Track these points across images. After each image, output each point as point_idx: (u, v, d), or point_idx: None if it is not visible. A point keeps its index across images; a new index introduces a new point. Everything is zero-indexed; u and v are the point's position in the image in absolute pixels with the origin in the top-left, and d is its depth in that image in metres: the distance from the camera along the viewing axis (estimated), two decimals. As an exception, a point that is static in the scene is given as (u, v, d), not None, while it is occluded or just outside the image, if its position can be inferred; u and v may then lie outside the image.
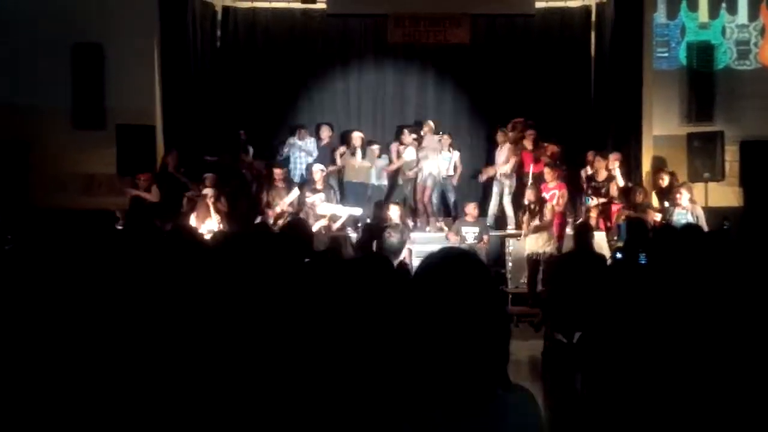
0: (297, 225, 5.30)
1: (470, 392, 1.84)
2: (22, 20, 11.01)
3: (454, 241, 10.51)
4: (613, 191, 10.77)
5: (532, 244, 9.89)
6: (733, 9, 11.69)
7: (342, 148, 12.01)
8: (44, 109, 10.92)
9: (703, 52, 11.66)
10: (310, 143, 12.09)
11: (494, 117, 12.71)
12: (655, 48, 11.75)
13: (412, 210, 11.83)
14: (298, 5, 12.84)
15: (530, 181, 10.87)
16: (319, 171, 10.99)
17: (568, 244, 9.56)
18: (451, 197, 12.19)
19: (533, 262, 9.83)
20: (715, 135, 11.15)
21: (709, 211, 10.28)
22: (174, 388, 2.68)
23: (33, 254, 4.22)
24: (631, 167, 11.73)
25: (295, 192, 10.82)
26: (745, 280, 4.10)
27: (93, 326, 2.96)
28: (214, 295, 3.16)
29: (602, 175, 10.92)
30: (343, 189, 11.89)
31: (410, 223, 10.93)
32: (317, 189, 10.79)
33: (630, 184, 10.92)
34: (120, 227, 9.78)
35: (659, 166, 11.37)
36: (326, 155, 12.07)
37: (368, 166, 11.91)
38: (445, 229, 11.25)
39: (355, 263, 3.86)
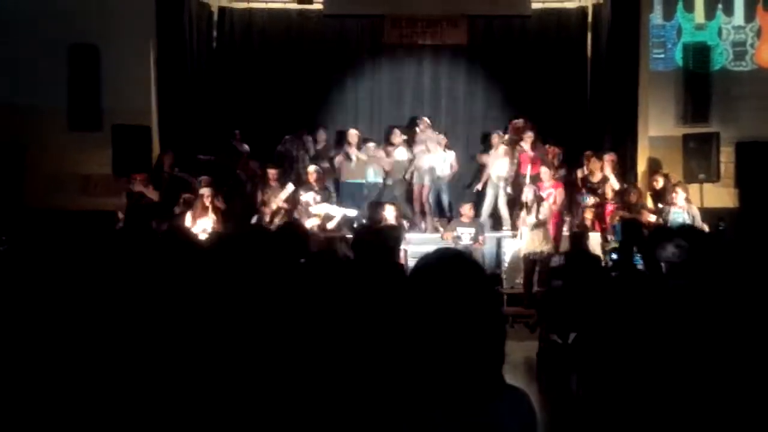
0: (292, 226, 5.29)
1: (466, 393, 1.84)
2: (19, 21, 10.98)
3: (449, 242, 10.51)
4: (608, 192, 10.78)
5: (529, 243, 9.90)
6: (729, 10, 11.70)
7: (339, 158, 11.95)
8: (40, 110, 10.90)
9: (700, 53, 11.68)
10: (308, 143, 12.07)
11: (491, 118, 12.73)
12: (651, 49, 11.77)
13: (406, 210, 11.81)
14: (295, 6, 12.85)
15: (528, 181, 10.87)
16: (314, 171, 10.98)
17: (565, 245, 9.59)
18: (446, 198, 12.18)
19: (530, 262, 9.84)
20: (710, 136, 11.16)
21: (704, 212, 10.30)
22: (169, 388, 2.67)
23: (28, 255, 4.21)
24: (627, 168, 11.76)
25: (290, 187, 10.80)
26: (740, 281, 4.10)
27: (88, 327, 2.95)
28: (210, 296, 3.16)
29: (597, 176, 10.94)
30: (340, 190, 11.87)
31: (405, 224, 10.91)
32: (312, 188, 10.78)
33: (625, 185, 10.94)
34: (120, 226, 9.79)
35: (654, 167, 11.39)
36: (322, 157, 12.04)
37: (365, 160, 11.85)
38: (441, 229, 11.24)
39: (351, 264, 3.86)
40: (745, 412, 3.33)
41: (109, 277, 3.41)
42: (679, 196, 10.02)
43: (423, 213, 11.92)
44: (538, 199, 10.06)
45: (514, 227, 11.23)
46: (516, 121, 12.12)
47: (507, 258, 10.62)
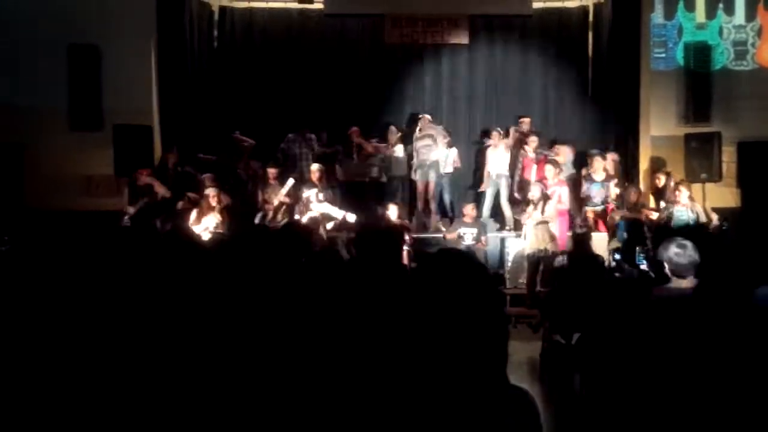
0: (294, 225, 5.29)
1: (469, 394, 1.83)
2: (19, 21, 10.99)
3: (451, 242, 10.51)
4: (611, 193, 10.77)
5: (533, 242, 9.89)
6: (730, 9, 11.69)
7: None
8: (41, 110, 10.89)
9: (701, 53, 11.67)
10: (312, 141, 12.04)
11: (492, 117, 12.72)
12: (652, 48, 11.76)
13: (410, 209, 11.79)
14: (295, 5, 12.85)
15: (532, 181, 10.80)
16: (317, 170, 10.96)
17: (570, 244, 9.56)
18: (447, 197, 12.16)
19: (533, 261, 9.82)
20: (712, 135, 11.15)
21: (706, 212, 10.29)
22: (173, 389, 2.67)
23: (29, 256, 4.20)
24: (629, 167, 11.76)
25: (290, 182, 10.79)
26: (743, 280, 4.09)
27: (90, 328, 2.94)
28: (212, 295, 3.15)
29: (601, 176, 10.92)
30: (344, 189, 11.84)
31: (407, 223, 10.89)
32: (315, 186, 10.75)
33: (626, 184, 10.93)
34: (125, 223, 9.76)
35: (656, 166, 11.38)
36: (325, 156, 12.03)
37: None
38: (443, 229, 11.23)
39: (354, 264, 3.85)
40: (748, 413, 3.33)
41: (111, 278, 3.41)
42: (682, 194, 10.01)
43: (427, 211, 11.84)
44: (545, 197, 10.06)
45: (516, 227, 11.23)
46: (523, 119, 12.07)
47: (510, 258, 10.60)
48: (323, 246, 8.50)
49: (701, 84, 11.64)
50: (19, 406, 2.66)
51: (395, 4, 12.84)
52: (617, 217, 10.36)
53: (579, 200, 10.96)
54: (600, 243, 9.58)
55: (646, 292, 4.22)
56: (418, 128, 11.91)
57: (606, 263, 7.87)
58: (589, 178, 10.93)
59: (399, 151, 12.00)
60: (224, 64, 12.93)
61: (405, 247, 9.09)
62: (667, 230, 7.18)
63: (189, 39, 12.13)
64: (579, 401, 5.60)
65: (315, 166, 11.02)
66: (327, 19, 12.95)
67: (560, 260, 7.76)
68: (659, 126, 11.71)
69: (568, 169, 11.34)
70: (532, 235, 10.01)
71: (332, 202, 10.80)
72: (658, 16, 11.79)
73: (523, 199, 10.85)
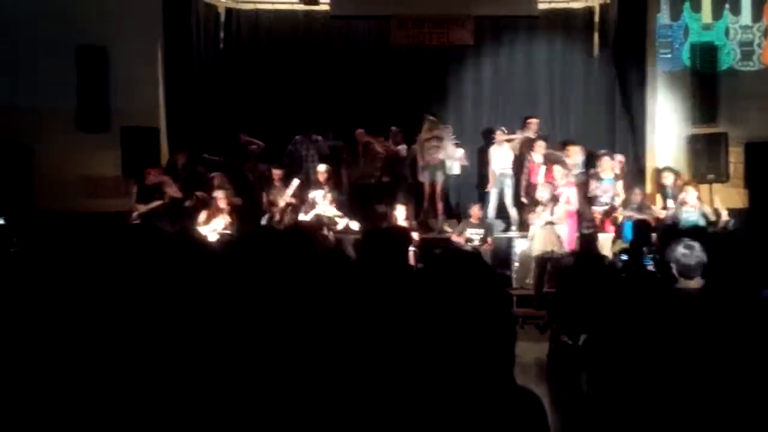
0: (301, 226, 5.30)
1: (476, 395, 1.83)
2: (27, 22, 11.01)
3: (458, 243, 10.50)
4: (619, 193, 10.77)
5: (541, 243, 9.88)
6: (736, 10, 11.65)
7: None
8: (48, 112, 10.92)
9: (707, 53, 11.64)
10: (319, 143, 12.04)
11: (497, 118, 12.71)
12: (658, 49, 11.73)
13: (415, 210, 11.77)
14: (302, 7, 12.85)
15: (538, 184, 10.77)
16: (325, 171, 10.96)
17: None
18: (454, 198, 12.15)
19: (542, 263, 9.80)
20: (719, 136, 11.14)
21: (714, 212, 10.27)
22: (179, 390, 2.68)
23: (38, 257, 4.22)
24: (635, 168, 11.74)
25: (295, 182, 10.80)
26: (751, 280, 4.09)
27: (99, 329, 2.95)
28: (218, 297, 3.16)
29: (608, 175, 10.91)
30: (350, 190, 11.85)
31: (414, 224, 10.88)
32: (322, 187, 10.75)
33: (630, 185, 10.91)
34: (136, 220, 9.77)
35: (663, 167, 11.35)
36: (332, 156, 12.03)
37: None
38: (449, 230, 11.22)
39: (360, 265, 3.86)
40: (755, 413, 3.32)
41: (118, 279, 3.42)
42: (690, 194, 10.01)
43: (434, 212, 11.82)
44: (554, 199, 10.05)
45: (522, 227, 11.22)
46: (531, 120, 12.03)
47: (517, 258, 10.58)
48: (330, 247, 8.51)
49: (707, 84, 11.61)
50: (28, 407, 2.67)
51: (401, 6, 12.83)
52: (620, 217, 10.35)
53: (587, 201, 10.95)
54: (606, 243, 9.57)
55: (653, 293, 4.22)
56: (424, 129, 11.87)
57: (610, 263, 7.85)
58: (597, 177, 10.92)
59: (402, 151, 12.00)
60: (230, 65, 12.95)
61: (411, 248, 9.10)
62: (674, 231, 7.16)
63: (195, 41, 12.16)
64: (586, 402, 5.60)
65: (322, 167, 11.02)
66: (333, 20, 12.95)
67: (567, 261, 7.76)
68: (665, 127, 11.69)
69: (578, 169, 11.30)
70: (539, 237, 10.00)
71: (339, 205, 10.81)
72: (664, 17, 11.76)
73: (530, 203, 10.83)
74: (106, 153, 10.92)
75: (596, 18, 12.92)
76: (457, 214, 11.93)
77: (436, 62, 13.04)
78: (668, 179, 10.80)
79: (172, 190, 10.18)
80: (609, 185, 10.79)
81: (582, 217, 10.75)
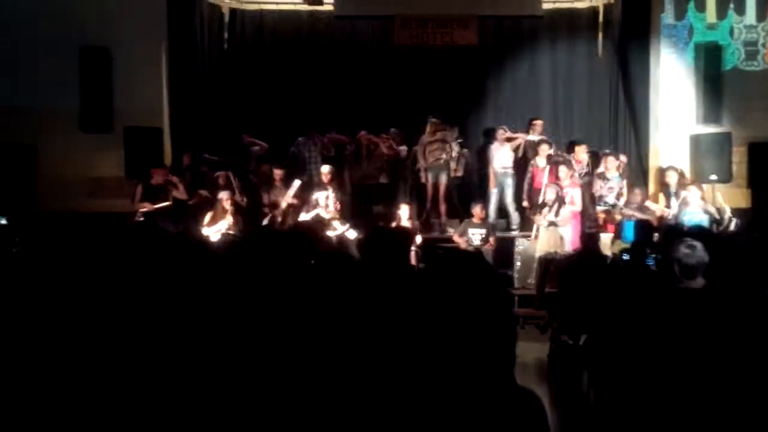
0: (303, 227, 5.30)
1: (477, 394, 1.84)
2: (31, 23, 11.04)
3: (460, 243, 10.49)
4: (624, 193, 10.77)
5: (544, 244, 9.87)
6: (741, 9, 11.64)
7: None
8: (51, 112, 10.95)
9: (711, 53, 11.63)
10: (323, 143, 12.02)
11: (501, 118, 12.70)
12: (662, 49, 11.72)
13: (418, 211, 11.75)
14: (305, 7, 12.86)
15: (545, 180, 10.73)
16: (329, 172, 10.94)
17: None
18: (457, 198, 12.13)
19: (544, 263, 9.79)
20: (723, 136, 11.12)
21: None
22: (180, 390, 2.68)
23: (40, 257, 4.23)
24: (638, 168, 11.72)
25: (296, 183, 10.78)
26: (753, 281, 4.08)
27: (100, 329, 2.96)
28: (221, 297, 3.16)
29: (613, 174, 10.89)
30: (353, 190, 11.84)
31: (417, 224, 10.87)
32: (326, 188, 10.73)
33: (631, 185, 10.89)
34: (139, 217, 9.77)
35: (666, 166, 11.34)
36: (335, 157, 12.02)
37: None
38: (451, 230, 11.21)
39: (362, 265, 3.86)
40: (756, 413, 3.32)
41: (120, 279, 3.43)
42: (693, 194, 9.99)
43: (436, 212, 11.80)
44: (560, 200, 10.04)
45: (522, 227, 11.21)
46: (535, 122, 12.00)
47: (520, 257, 10.56)
48: (333, 247, 8.51)
49: (712, 84, 11.59)
50: (31, 405, 2.68)
51: (405, 6, 12.83)
52: (618, 217, 10.34)
53: (592, 201, 10.95)
54: (606, 243, 9.57)
55: (655, 293, 4.21)
56: (427, 131, 11.84)
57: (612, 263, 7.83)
58: (603, 178, 10.90)
59: (402, 152, 11.99)
60: (234, 66, 12.96)
61: (413, 248, 9.10)
62: (676, 231, 7.15)
63: (199, 41, 12.17)
64: (586, 402, 5.60)
65: (325, 168, 10.99)
66: (337, 20, 12.95)
67: (569, 261, 7.75)
68: (669, 126, 11.67)
69: (582, 169, 11.28)
70: (543, 237, 9.99)
71: (343, 206, 10.80)
72: (668, 17, 11.75)
73: (531, 207, 10.82)
74: (108, 153, 10.94)
75: (600, 18, 12.90)
76: (459, 215, 11.91)
77: (439, 62, 13.03)
78: (672, 178, 10.77)
79: (179, 192, 10.19)
80: (615, 184, 10.78)
81: (586, 217, 10.74)
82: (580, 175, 11.01)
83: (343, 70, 12.93)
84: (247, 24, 13.15)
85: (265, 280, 3.39)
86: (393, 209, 10.91)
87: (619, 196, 10.68)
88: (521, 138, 11.89)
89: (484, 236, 10.55)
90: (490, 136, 12.37)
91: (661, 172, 11.31)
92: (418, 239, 10.07)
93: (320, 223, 10.07)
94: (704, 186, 10.65)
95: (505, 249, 10.84)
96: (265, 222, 10.60)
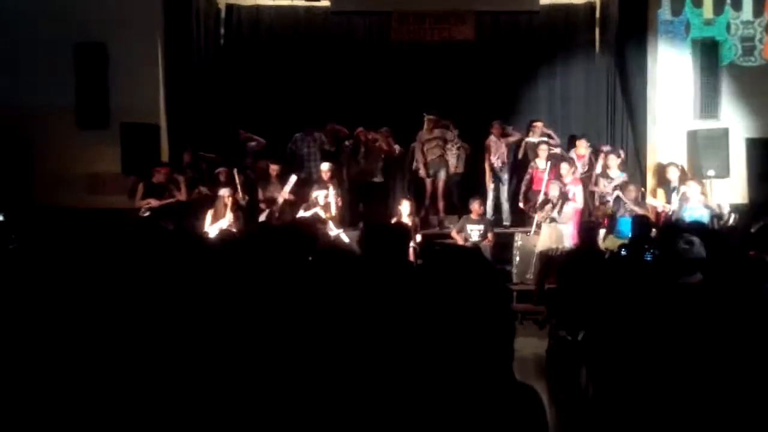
0: (300, 223, 5.30)
1: (475, 390, 1.83)
2: (26, 20, 11.03)
3: (458, 239, 10.50)
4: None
5: (546, 240, 9.88)
6: (737, 5, 11.63)
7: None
8: (48, 109, 10.94)
9: (708, 49, 11.64)
10: (321, 140, 11.99)
11: (498, 114, 12.69)
12: (659, 44, 11.72)
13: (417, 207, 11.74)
14: (302, 3, 12.86)
15: (546, 177, 10.72)
16: (328, 169, 10.93)
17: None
18: (456, 195, 12.12)
19: (544, 259, 9.78)
20: (720, 132, 11.13)
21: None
22: (177, 387, 2.67)
23: (37, 254, 4.22)
24: (636, 164, 11.73)
25: (293, 179, 10.76)
26: (751, 277, 4.08)
27: (97, 325, 2.95)
28: (219, 294, 3.16)
29: (615, 173, 10.89)
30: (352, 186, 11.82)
31: (416, 220, 10.85)
32: (326, 186, 10.71)
33: (625, 180, 10.89)
34: (144, 213, 9.76)
35: (667, 162, 11.34)
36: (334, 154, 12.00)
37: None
38: (449, 226, 11.21)
39: (361, 261, 3.86)
40: (754, 409, 3.32)
41: (118, 275, 3.42)
42: (693, 189, 10.00)
43: (434, 209, 11.77)
44: (563, 197, 10.03)
45: (519, 223, 11.21)
46: (535, 124, 11.97)
47: (519, 252, 10.56)
48: (331, 243, 8.50)
49: (709, 80, 11.61)
50: (28, 403, 2.67)
51: (402, 1, 12.83)
52: (609, 211, 10.34)
53: (592, 197, 10.95)
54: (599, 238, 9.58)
55: (653, 289, 4.21)
56: (425, 129, 11.82)
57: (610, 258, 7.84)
58: (606, 176, 10.89)
59: (397, 150, 11.98)
60: (231, 62, 12.93)
61: (411, 244, 9.08)
62: (675, 226, 7.16)
63: (196, 37, 12.13)
64: (585, 397, 5.61)
65: (326, 166, 10.96)
66: (333, 16, 12.94)
67: (568, 256, 7.75)
68: (666, 122, 11.69)
69: (584, 165, 11.29)
70: (544, 233, 10.00)
71: (344, 204, 10.79)
72: (665, 12, 11.74)
73: (528, 209, 10.82)
74: (105, 150, 10.94)
75: (597, 13, 12.90)
76: (458, 211, 11.90)
77: (437, 58, 13.02)
78: (673, 174, 10.75)
79: (179, 194, 10.17)
80: (618, 181, 10.76)
81: (586, 214, 10.75)
82: (581, 172, 11.03)
83: (340, 66, 12.90)
84: (243, 20, 13.12)
85: (262, 276, 3.39)
86: (390, 207, 10.89)
87: (617, 188, 10.66)
88: (516, 138, 11.88)
89: (482, 232, 10.56)
90: (486, 131, 12.35)
91: (662, 168, 11.30)
92: (418, 237, 10.08)
93: (317, 221, 10.06)
94: (703, 181, 10.67)
95: (503, 244, 10.84)
96: (262, 218, 10.58)
